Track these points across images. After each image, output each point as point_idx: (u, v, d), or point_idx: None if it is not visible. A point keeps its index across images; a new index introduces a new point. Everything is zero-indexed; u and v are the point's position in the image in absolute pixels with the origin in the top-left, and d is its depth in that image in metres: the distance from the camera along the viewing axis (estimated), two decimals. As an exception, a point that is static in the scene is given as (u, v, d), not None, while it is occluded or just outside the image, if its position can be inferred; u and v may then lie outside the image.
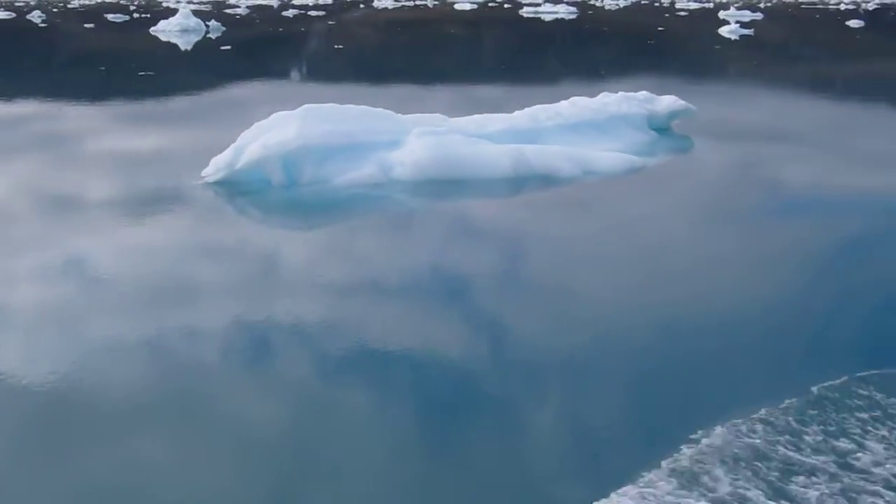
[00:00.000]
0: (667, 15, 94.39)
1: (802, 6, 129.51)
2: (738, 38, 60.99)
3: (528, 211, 14.81)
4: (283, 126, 15.99)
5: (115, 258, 11.84)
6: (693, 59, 48.57)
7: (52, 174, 17.11)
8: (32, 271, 11.33)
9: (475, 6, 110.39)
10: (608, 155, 17.09)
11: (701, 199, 15.48)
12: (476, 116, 18.35)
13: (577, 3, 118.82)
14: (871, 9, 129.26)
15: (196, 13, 63.66)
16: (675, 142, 20.05)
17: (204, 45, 51.89)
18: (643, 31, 69.04)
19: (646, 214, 14.20)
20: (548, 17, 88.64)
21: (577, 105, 19.63)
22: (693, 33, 65.30)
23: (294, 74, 39.98)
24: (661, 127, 20.76)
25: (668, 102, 20.88)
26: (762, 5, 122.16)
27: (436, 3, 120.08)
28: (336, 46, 55.07)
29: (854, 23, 78.02)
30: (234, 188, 15.55)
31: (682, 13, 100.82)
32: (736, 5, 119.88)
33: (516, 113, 18.97)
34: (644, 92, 21.00)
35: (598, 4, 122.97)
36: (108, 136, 21.37)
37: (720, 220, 14.13)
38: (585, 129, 18.99)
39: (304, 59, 48.51)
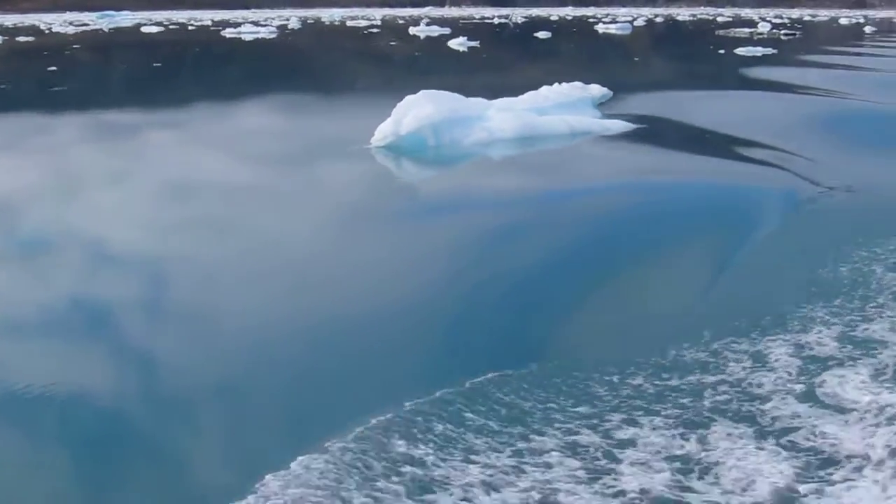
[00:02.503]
0: (364, 32, 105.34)
1: (465, 20, 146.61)
2: (466, 49, 72.81)
3: (589, 150, 24.00)
4: (420, 105, 23.79)
5: (341, 210, 17.32)
6: (456, 68, 59.21)
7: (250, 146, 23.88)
8: (270, 213, 17.75)
9: (162, 29, 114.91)
10: (614, 122, 26.77)
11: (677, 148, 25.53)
12: (504, 99, 27.13)
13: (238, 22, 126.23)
14: (519, 21, 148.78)
15: None
16: (612, 115, 29.99)
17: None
18: (375, 47, 79.06)
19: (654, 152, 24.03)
20: (249, 37, 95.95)
21: (553, 91, 29.01)
22: (428, 48, 76.28)
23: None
24: (594, 106, 30.69)
25: (597, 89, 30.87)
26: (426, 20, 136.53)
27: (112, 27, 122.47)
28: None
29: (542, 34, 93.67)
30: (399, 150, 23.07)
31: (374, 30, 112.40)
32: (401, 20, 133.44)
33: (520, 98, 27.94)
34: (578, 82, 30.80)
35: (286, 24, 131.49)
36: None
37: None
38: (564, 107, 28.39)
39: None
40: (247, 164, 22.13)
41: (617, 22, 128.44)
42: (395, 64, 61.58)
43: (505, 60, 63.42)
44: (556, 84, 29.96)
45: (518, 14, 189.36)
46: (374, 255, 13.72)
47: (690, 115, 30.86)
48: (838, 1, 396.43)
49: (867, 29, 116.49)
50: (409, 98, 24.15)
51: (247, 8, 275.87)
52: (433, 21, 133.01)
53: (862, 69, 48.68)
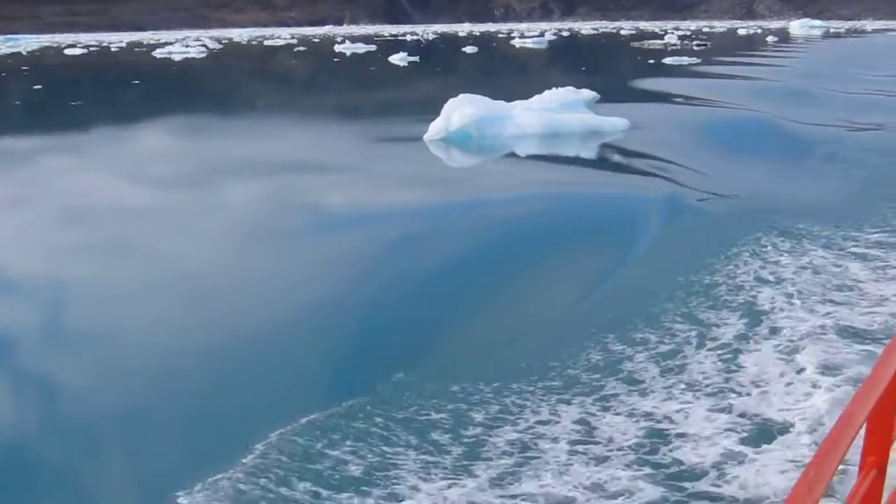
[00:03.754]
0: (294, 50, 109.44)
1: (378, 37, 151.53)
2: (407, 63, 77.98)
3: (600, 140, 29.33)
4: (463, 105, 28.73)
5: (413, 190, 21.81)
6: (422, 80, 64.19)
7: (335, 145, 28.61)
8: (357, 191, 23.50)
9: (85, 51, 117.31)
10: (615, 119, 32.18)
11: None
12: (520, 101, 32.28)
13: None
14: (430, 37, 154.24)
15: None
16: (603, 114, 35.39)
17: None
18: (325, 64, 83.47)
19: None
20: (178, 57, 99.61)
21: (555, 94, 34.26)
22: (373, 63, 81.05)
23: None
24: (587, 106, 36.09)
25: (587, 93, 36.24)
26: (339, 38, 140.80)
27: (28, 51, 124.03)
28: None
29: (469, 49, 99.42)
30: (450, 142, 27.97)
31: (300, 49, 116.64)
32: (315, 38, 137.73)
33: (531, 100, 33.12)
34: (571, 87, 36.15)
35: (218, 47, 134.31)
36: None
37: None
38: (567, 107, 33.68)
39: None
40: (331, 161, 26.84)
41: (530, 37, 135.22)
42: (363, 78, 66.08)
43: (456, 72, 68.98)
44: (554, 89, 35.20)
45: (424, 30, 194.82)
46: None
47: (664, 117, 36.60)
48: (728, 13, 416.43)
49: (769, 39, 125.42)
50: (452, 100, 29.09)
51: (141, 30, 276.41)
52: (348, 38, 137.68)
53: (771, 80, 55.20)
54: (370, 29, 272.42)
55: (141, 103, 47.36)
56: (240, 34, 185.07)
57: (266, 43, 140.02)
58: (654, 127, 32.66)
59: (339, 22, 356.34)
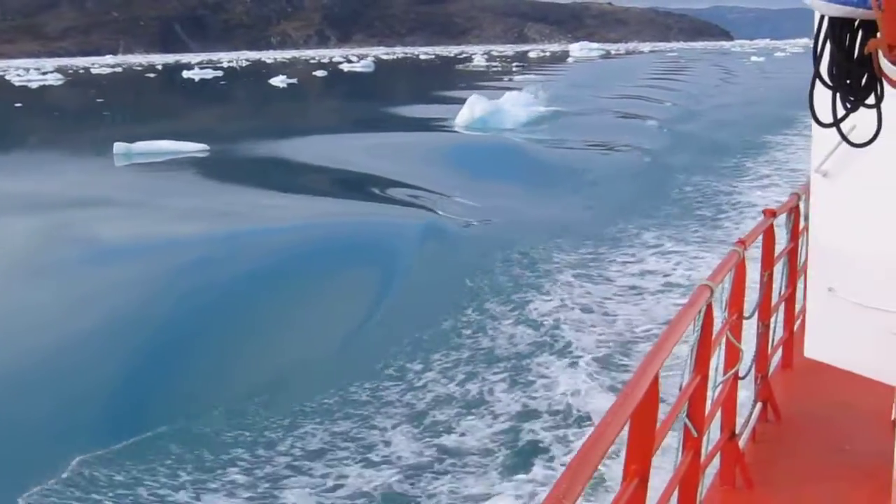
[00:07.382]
0: (145, 76, 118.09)
1: (203, 64, 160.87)
2: (287, 85, 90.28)
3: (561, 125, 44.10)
4: (478, 103, 42.59)
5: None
6: (323, 98, 76.60)
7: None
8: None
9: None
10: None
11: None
12: (499, 99, 46.50)
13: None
14: (244, 64, 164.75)
15: None
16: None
17: None
18: (218, 89, 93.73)
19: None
20: (35, 85, 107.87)
21: (511, 96, 48.74)
22: (249, 84, 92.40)
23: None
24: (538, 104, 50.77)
25: (529, 95, 50.96)
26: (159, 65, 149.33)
27: None
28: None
29: (320, 73, 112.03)
30: (473, 127, 41.45)
31: (150, 75, 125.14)
32: (138, 66, 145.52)
33: (503, 98, 47.42)
34: (521, 90, 50.67)
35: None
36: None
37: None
38: (530, 104, 48.21)
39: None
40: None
41: (355, 61, 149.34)
42: (275, 99, 77.22)
43: (339, 91, 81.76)
44: (509, 92, 49.63)
45: (237, 58, 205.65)
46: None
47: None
48: (501, 37, 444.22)
49: (569, 59, 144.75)
50: (469, 98, 42.99)
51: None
52: (163, 66, 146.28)
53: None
54: (149, 58, 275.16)
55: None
56: (43, 64, 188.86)
57: (93, 71, 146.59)
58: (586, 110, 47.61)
59: (113, 52, 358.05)
